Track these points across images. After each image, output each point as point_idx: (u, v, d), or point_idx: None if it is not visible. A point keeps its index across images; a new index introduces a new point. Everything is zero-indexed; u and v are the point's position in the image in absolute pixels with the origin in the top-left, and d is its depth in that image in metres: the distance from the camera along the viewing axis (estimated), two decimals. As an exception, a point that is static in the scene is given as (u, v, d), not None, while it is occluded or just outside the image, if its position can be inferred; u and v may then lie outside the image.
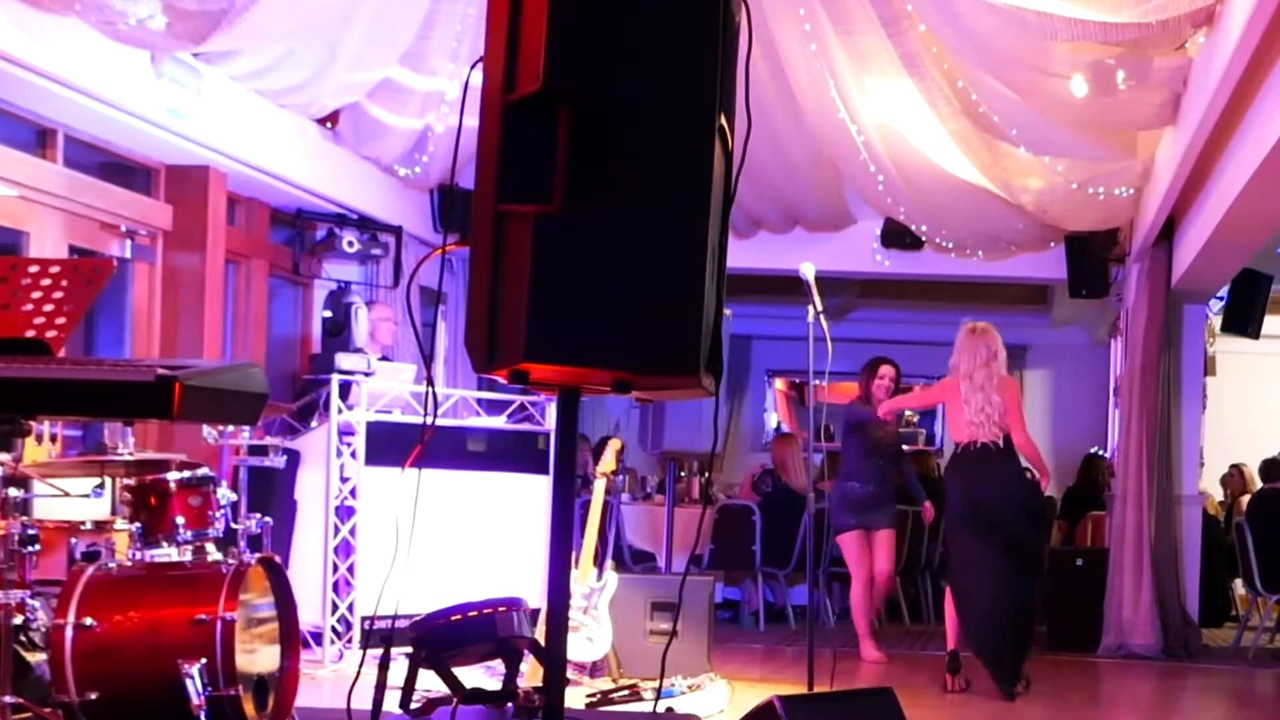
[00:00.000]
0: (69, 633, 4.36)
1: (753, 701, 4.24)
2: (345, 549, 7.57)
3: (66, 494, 4.86)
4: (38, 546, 4.33)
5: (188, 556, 4.90)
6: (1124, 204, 9.75)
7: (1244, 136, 6.93)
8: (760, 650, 9.40)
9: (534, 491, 8.26)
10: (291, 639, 4.90)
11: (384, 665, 4.60)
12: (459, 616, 4.68)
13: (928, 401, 9.67)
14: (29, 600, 4.45)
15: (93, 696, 4.33)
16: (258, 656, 4.69)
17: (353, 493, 7.58)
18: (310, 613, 7.13)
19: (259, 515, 5.54)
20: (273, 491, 7.56)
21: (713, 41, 2.84)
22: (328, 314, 8.96)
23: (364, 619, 7.46)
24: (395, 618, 4.64)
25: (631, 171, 2.79)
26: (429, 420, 3.32)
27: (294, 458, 7.61)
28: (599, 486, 7.29)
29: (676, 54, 2.83)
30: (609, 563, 7.47)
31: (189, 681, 4.31)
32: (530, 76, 2.76)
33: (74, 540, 5.14)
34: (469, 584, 7.08)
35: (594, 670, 7.13)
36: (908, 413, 15.91)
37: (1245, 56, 5.87)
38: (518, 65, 2.80)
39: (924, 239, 10.82)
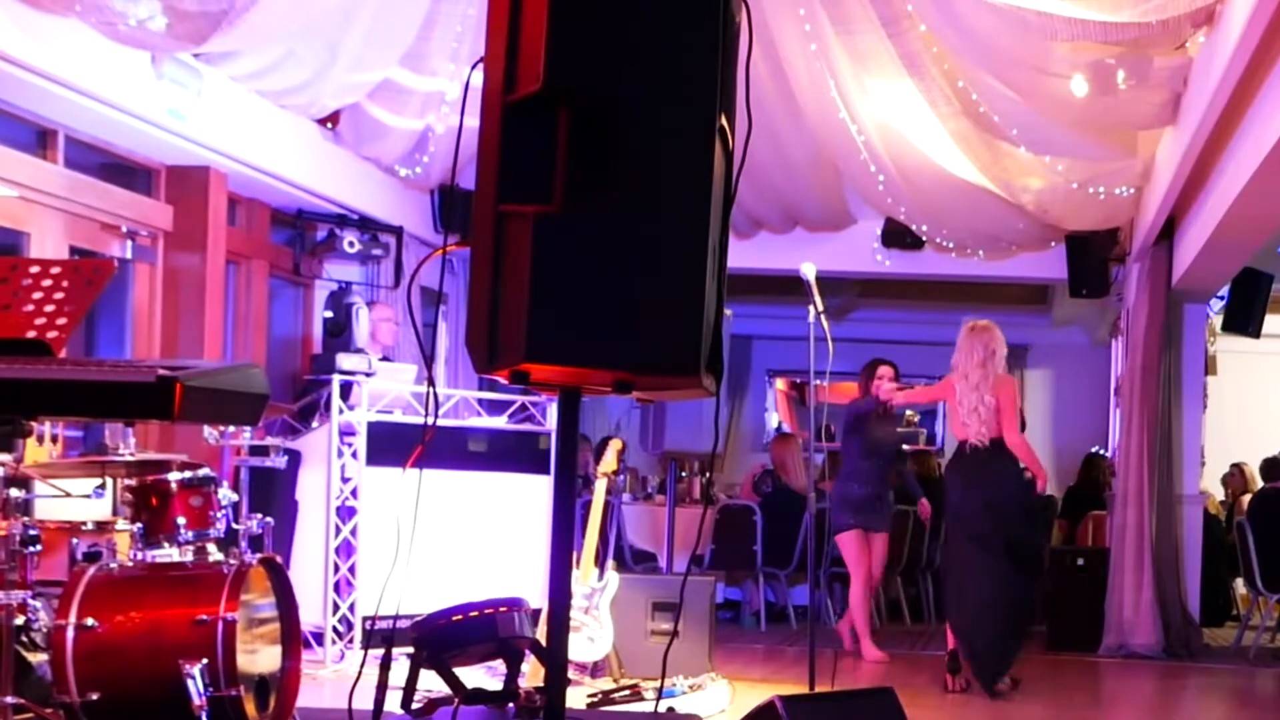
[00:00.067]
0: (70, 633, 4.36)
1: (754, 701, 4.24)
2: (346, 549, 7.57)
3: (68, 494, 4.86)
4: (39, 547, 4.34)
5: (189, 557, 4.90)
6: (1124, 203, 9.75)
7: (1244, 136, 6.93)
8: (761, 650, 9.40)
9: (535, 492, 8.26)
10: (293, 639, 4.90)
11: (385, 665, 4.60)
12: (460, 617, 4.68)
13: (929, 397, 9.65)
14: (30, 601, 4.46)
15: (94, 697, 4.33)
16: (259, 657, 4.69)
17: (354, 493, 7.58)
18: (311, 613, 7.13)
19: (260, 516, 5.55)
20: (274, 492, 7.56)
21: (713, 42, 2.84)
22: (328, 314, 8.96)
23: (365, 619, 7.47)
24: (396, 618, 4.63)
25: (632, 171, 2.79)
26: (430, 420, 3.32)
27: (295, 458, 7.61)
28: (600, 486, 7.29)
29: (677, 54, 2.83)
30: (610, 563, 7.47)
31: (190, 682, 4.32)
32: (530, 77, 2.76)
33: (75, 541, 5.14)
34: (470, 584, 7.08)
35: (595, 670, 7.14)
36: (908, 412, 15.92)
37: (1245, 56, 5.87)
38: (518, 65, 2.80)
39: (924, 239, 10.82)
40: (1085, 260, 10.59)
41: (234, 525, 5.22)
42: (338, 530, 7.54)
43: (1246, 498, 11.58)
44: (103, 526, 5.10)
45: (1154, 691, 8.47)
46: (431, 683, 4.83)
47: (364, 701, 4.17)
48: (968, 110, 8.69)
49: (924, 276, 11.88)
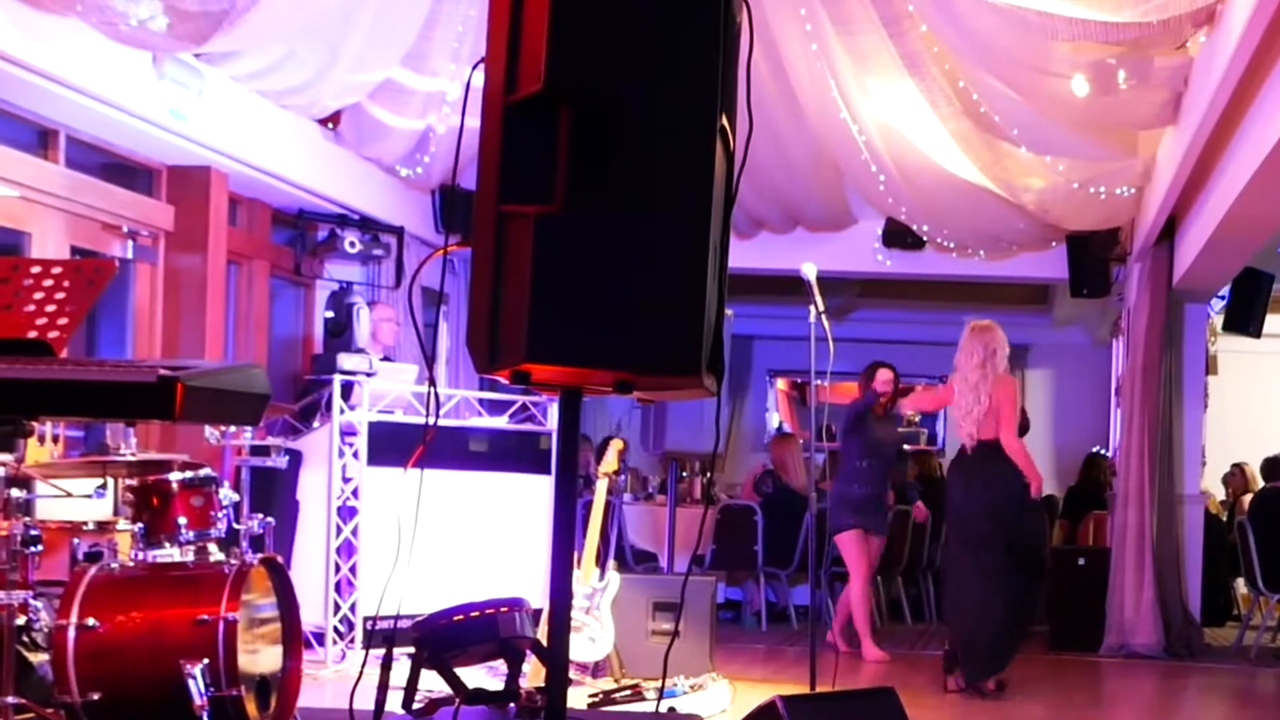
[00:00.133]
0: (71, 633, 4.36)
1: (755, 701, 4.25)
2: (347, 549, 7.58)
3: (69, 494, 4.86)
4: (40, 547, 4.34)
5: (190, 557, 4.91)
6: (1125, 203, 9.75)
7: (1245, 136, 6.93)
8: (762, 650, 9.40)
9: (536, 492, 8.26)
10: (294, 639, 4.90)
11: (386, 666, 4.60)
12: (461, 617, 4.68)
13: (935, 403, 9.62)
14: (31, 601, 4.46)
15: (95, 697, 4.33)
16: (260, 657, 4.69)
17: (355, 493, 7.58)
18: (312, 613, 7.14)
19: (261, 516, 5.55)
20: (275, 492, 7.56)
21: (714, 42, 2.84)
22: (329, 314, 8.96)
23: (366, 619, 7.47)
24: (397, 618, 4.64)
25: (633, 171, 2.79)
26: (431, 420, 3.33)
27: (296, 458, 7.61)
28: (601, 487, 7.29)
29: (677, 54, 2.83)
30: (611, 563, 7.47)
31: (191, 682, 4.32)
32: (531, 77, 2.76)
33: (76, 541, 5.14)
34: (471, 584, 7.08)
35: (596, 670, 7.14)
36: (909, 412, 15.93)
37: (1246, 56, 5.87)
38: (519, 66, 2.80)
39: (925, 239, 10.82)
40: (1086, 260, 10.59)
41: (235, 525, 5.22)
42: (339, 530, 7.54)
43: (1247, 497, 11.58)
44: (104, 526, 5.10)
45: (1155, 691, 8.47)
46: (433, 683, 4.83)
47: (365, 702, 4.17)
48: (968, 110, 8.69)
49: (925, 276, 11.88)
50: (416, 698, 4.72)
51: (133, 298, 7.94)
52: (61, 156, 7.21)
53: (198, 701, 4.31)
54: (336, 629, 7.48)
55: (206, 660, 4.37)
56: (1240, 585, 11.77)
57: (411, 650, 4.71)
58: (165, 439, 7.44)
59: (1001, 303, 13.18)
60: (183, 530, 4.87)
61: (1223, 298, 11.29)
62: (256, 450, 7.48)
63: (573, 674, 6.80)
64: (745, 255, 10.51)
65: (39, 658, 4.67)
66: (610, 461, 7.37)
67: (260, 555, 4.83)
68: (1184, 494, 10.14)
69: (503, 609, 4.72)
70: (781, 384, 16.14)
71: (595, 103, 2.75)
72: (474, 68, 3.00)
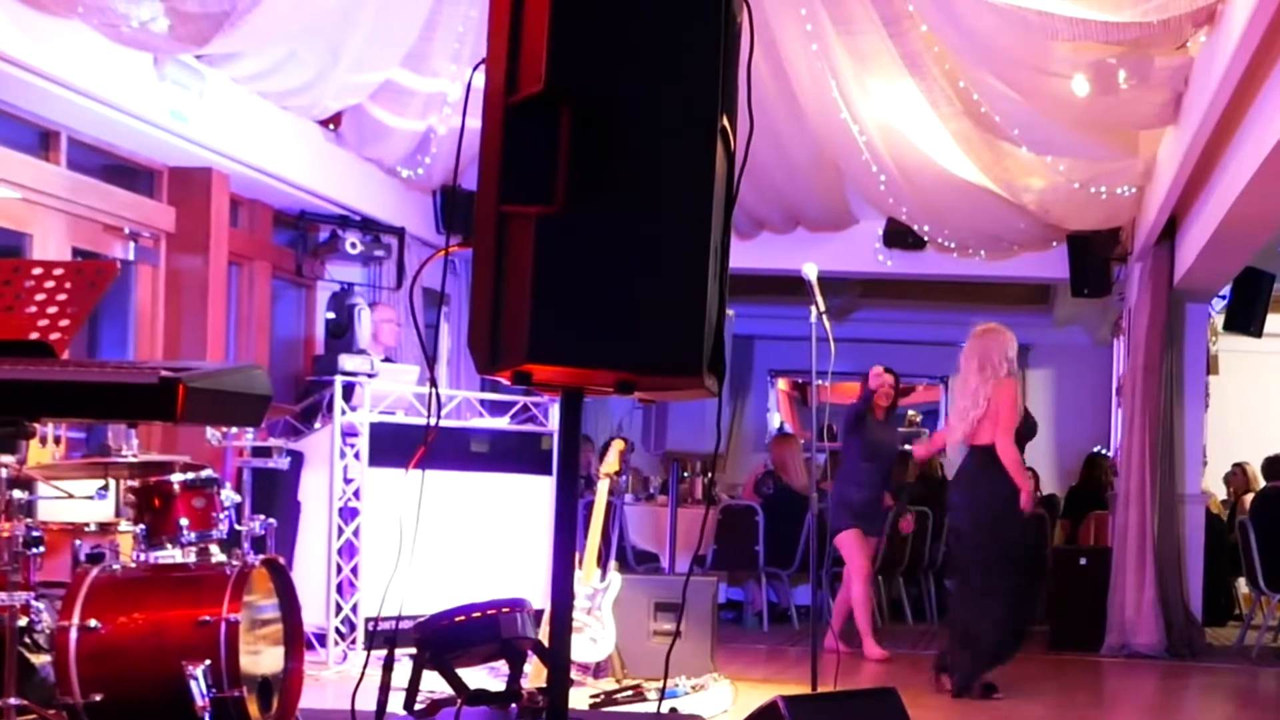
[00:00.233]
0: (73, 634, 4.37)
1: (756, 702, 4.25)
2: (349, 550, 7.58)
3: (71, 496, 4.87)
4: (42, 548, 4.35)
5: (192, 558, 4.91)
6: (1126, 203, 9.75)
7: (1245, 135, 6.93)
8: (764, 650, 9.40)
9: (537, 492, 8.26)
10: (295, 640, 4.91)
11: (388, 666, 4.60)
12: (463, 617, 4.68)
13: (938, 444, 9.48)
14: (33, 602, 4.47)
15: (97, 698, 4.34)
16: (262, 658, 4.70)
17: (356, 494, 7.58)
18: (314, 614, 7.14)
19: (263, 517, 5.56)
20: (276, 493, 7.56)
21: (714, 42, 2.84)
22: (331, 315, 8.97)
23: (368, 620, 7.47)
24: (399, 619, 4.64)
25: (633, 172, 2.79)
26: (432, 421, 3.33)
27: (297, 459, 7.62)
28: (602, 487, 7.29)
29: (678, 54, 2.83)
30: (612, 563, 7.47)
31: (193, 683, 4.32)
32: (532, 77, 2.77)
33: (78, 542, 5.14)
34: (473, 585, 7.08)
35: (598, 671, 7.14)
36: (910, 412, 15.94)
37: (1246, 55, 5.87)
38: (519, 66, 2.81)
39: (926, 239, 10.82)
40: (1087, 260, 10.59)
41: (236, 526, 5.22)
42: (340, 531, 7.54)
43: (1249, 497, 11.58)
44: (105, 528, 5.11)
45: (1156, 691, 8.47)
46: (434, 684, 4.83)
47: (367, 702, 4.17)
48: (969, 110, 8.69)
49: (925, 277, 11.88)
50: (418, 699, 4.72)
51: (134, 299, 7.94)
52: (63, 158, 7.22)
53: (199, 702, 4.31)
54: (338, 630, 7.49)
55: (208, 661, 4.37)
56: (1241, 585, 11.77)
57: (413, 651, 4.71)
58: (167, 440, 7.44)
59: (1002, 303, 13.18)
60: (184, 531, 4.88)
61: (1224, 297, 11.29)
62: (258, 451, 7.48)
63: (574, 674, 6.81)
64: (746, 255, 10.51)
65: (41, 659, 4.68)
66: (612, 462, 7.37)
67: (262, 556, 4.84)
68: (1185, 494, 10.14)
69: (504, 610, 4.72)
70: (783, 384, 16.14)
71: (596, 103, 2.75)
72: (475, 68, 3.00)
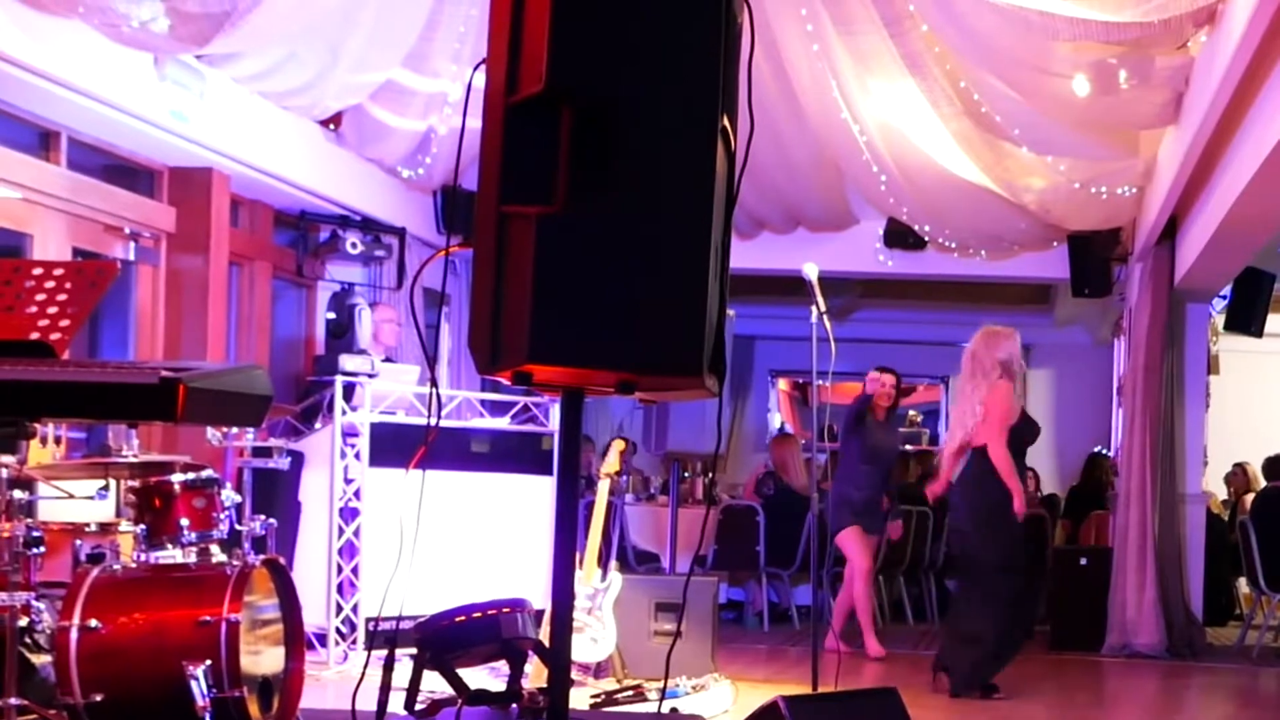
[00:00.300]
0: (74, 635, 4.37)
1: (757, 702, 4.25)
2: (349, 550, 7.58)
3: (71, 496, 4.87)
4: (43, 549, 4.34)
5: (192, 558, 4.91)
6: (1126, 203, 9.75)
7: (1246, 135, 6.93)
8: (764, 650, 9.40)
9: (538, 493, 8.26)
10: (296, 640, 4.91)
11: (388, 666, 4.60)
12: (463, 618, 4.68)
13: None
14: (34, 602, 4.47)
15: (98, 698, 4.34)
16: (262, 658, 4.70)
17: (357, 494, 7.58)
18: (315, 614, 7.14)
19: (263, 517, 5.56)
20: (277, 493, 7.56)
21: (715, 42, 2.84)
22: (331, 316, 8.97)
23: (368, 620, 7.47)
24: (400, 619, 4.64)
25: (634, 172, 2.79)
26: (433, 421, 3.33)
27: (298, 459, 7.61)
28: (603, 487, 7.29)
29: (678, 55, 2.83)
30: (613, 564, 7.47)
31: (194, 683, 4.32)
32: (533, 77, 2.76)
33: (79, 542, 5.14)
34: (473, 585, 7.08)
35: (598, 671, 7.14)
36: (911, 413, 15.94)
37: (1247, 55, 5.87)
38: (520, 66, 2.80)
39: (926, 239, 10.83)
40: (1087, 260, 10.59)
41: (237, 527, 5.22)
42: (341, 531, 7.54)
43: (1249, 497, 11.58)
44: (106, 528, 5.11)
45: (1157, 691, 8.47)
46: (435, 684, 4.83)
47: (367, 703, 4.17)
48: (970, 110, 8.69)
49: (926, 277, 11.88)
50: (419, 699, 4.72)
51: (135, 299, 7.94)
52: (63, 158, 7.22)
53: (200, 703, 4.31)
54: (339, 630, 7.49)
55: (209, 661, 4.37)
56: (1242, 585, 11.77)
57: (414, 651, 4.70)
58: (167, 440, 7.44)
59: (1003, 303, 13.19)
60: (185, 532, 4.88)
61: (1224, 297, 11.29)
62: (258, 451, 7.48)
63: (575, 675, 6.81)
64: (747, 256, 10.51)
65: (41, 659, 4.68)
66: (612, 462, 7.37)
67: (262, 556, 4.84)
68: (1186, 493, 10.13)
69: (505, 610, 4.72)
70: (783, 384, 16.14)
71: (596, 103, 2.75)
72: (475, 68, 3.00)
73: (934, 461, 13.01)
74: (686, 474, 10.73)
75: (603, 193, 2.76)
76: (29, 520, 4.38)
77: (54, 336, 4.23)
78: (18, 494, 4.32)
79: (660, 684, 6.69)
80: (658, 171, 2.80)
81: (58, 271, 4.31)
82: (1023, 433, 7.41)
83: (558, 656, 3.09)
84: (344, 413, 7.60)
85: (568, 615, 3.10)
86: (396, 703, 4.62)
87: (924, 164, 9.37)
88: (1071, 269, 10.66)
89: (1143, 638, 9.54)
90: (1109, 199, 9.62)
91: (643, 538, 10.79)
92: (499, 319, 2.80)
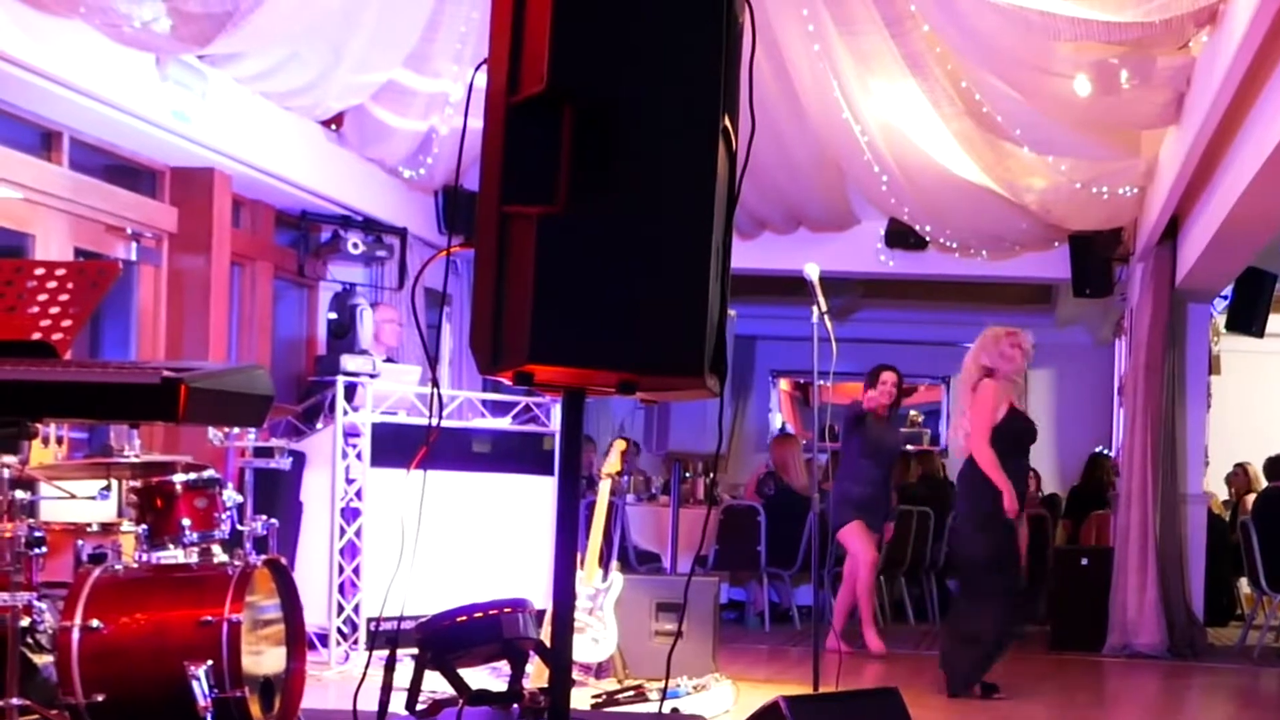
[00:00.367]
0: (75, 635, 4.37)
1: (758, 702, 4.25)
2: (351, 550, 7.58)
3: (73, 496, 4.88)
4: (44, 549, 4.34)
5: (194, 558, 4.92)
6: (1128, 203, 9.75)
7: (1247, 135, 6.93)
8: (765, 651, 9.40)
9: (539, 493, 8.26)
10: (297, 640, 4.91)
11: (390, 667, 4.60)
12: (465, 618, 4.68)
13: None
14: (36, 602, 4.46)
15: (99, 698, 4.34)
16: (264, 658, 4.70)
17: (358, 494, 7.59)
18: (316, 614, 7.15)
19: (265, 517, 5.56)
20: (278, 493, 7.56)
21: (716, 42, 2.84)
22: (333, 316, 8.97)
23: (370, 620, 7.47)
24: (401, 619, 4.65)
25: (635, 172, 2.79)
26: (434, 422, 3.33)
27: (299, 459, 7.61)
28: (604, 487, 7.29)
29: (680, 55, 2.83)
30: (614, 564, 7.47)
31: (195, 683, 4.33)
32: (534, 78, 2.77)
33: (80, 542, 5.15)
34: (474, 585, 7.07)
35: (599, 671, 7.14)
36: (912, 413, 15.95)
37: (1248, 55, 5.87)
38: (521, 67, 2.81)
39: (928, 239, 10.82)
40: (1088, 260, 10.59)
41: (239, 527, 5.23)
42: (342, 531, 7.54)
43: (1250, 497, 11.58)
44: (108, 528, 5.11)
45: (1158, 691, 8.46)
46: (436, 684, 4.83)
47: (368, 703, 4.17)
48: (971, 110, 8.69)
49: (927, 277, 11.88)
50: (420, 699, 4.72)
51: (136, 299, 7.94)
52: (65, 158, 7.22)
53: (201, 703, 4.31)
54: (340, 630, 7.49)
55: (210, 661, 4.37)
56: (1243, 585, 11.77)
57: (415, 651, 4.71)
58: (169, 441, 7.44)
59: (1004, 303, 13.19)
60: (186, 532, 4.88)
61: (1225, 297, 11.29)
62: (260, 452, 7.46)
63: (576, 675, 6.81)
64: (748, 256, 10.50)
65: (43, 659, 4.68)
66: (613, 462, 7.37)
67: (264, 556, 4.84)
68: (1187, 494, 10.13)
69: (506, 610, 4.72)
70: (784, 384, 16.14)
71: (597, 103, 2.76)
72: (476, 69, 3.00)
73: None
74: (688, 474, 10.73)
75: (604, 193, 2.76)
76: (31, 520, 4.38)
77: (56, 337, 4.23)
78: (19, 494, 4.31)
79: (661, 684, 6.69)
80: (659, 172, 2.81)
81: (59, 272, 4.31)
82: (1020, 432, 7.39)
83: (559, 656, 3.09)
84: (345, 413, 7.60)
85: (569, 615, 3.10)
86: (398, 703, 4.62)
87: (925, 164, 9.37)
88: (1073, 269, 10.65)
89: (1144, 638, 9.53)
90: (1110, 199, 9.61)
91: (644, 538, 10.80)
92: (500, 319, 2.81)
